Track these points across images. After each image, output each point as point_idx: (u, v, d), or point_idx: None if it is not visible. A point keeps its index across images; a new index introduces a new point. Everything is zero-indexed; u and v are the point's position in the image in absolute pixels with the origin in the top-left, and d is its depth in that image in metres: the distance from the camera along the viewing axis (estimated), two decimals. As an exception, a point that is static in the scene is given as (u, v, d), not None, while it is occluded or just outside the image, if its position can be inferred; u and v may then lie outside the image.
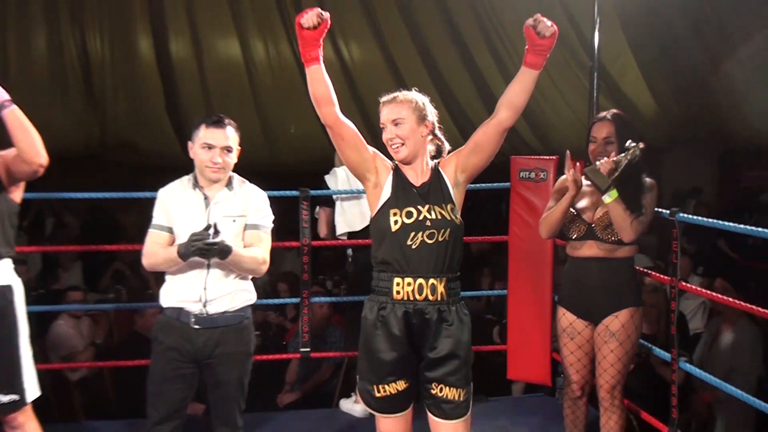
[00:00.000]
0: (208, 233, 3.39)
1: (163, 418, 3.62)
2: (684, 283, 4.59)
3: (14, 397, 3.54)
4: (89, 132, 10.11)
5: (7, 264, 3.57)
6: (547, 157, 5.12)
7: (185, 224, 3.55)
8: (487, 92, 9.45)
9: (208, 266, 3.55)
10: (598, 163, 3.81)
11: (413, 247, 3.18)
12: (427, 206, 3.22)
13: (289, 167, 10.21)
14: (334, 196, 5.17)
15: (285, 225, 8.39)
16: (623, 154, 3.78)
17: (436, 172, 3.33)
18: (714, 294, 4.98)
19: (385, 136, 3.32)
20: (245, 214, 3.64)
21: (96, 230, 10.06)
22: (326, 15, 3.10)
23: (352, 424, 5.16)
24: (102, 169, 10.21)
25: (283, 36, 9.81)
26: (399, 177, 3.31)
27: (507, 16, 8.96)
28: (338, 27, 9.55)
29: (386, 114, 3.31)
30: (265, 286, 8.50)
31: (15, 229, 3.61)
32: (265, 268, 3.64)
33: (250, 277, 3.69)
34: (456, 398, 3.24)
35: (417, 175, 3.31)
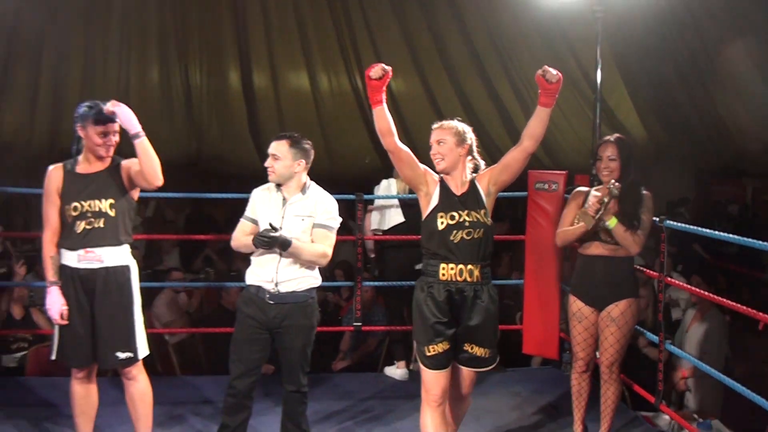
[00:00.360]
0: (269, 230, 3.45)
1: (242, 373, 3.65)
2: (669, 279, 4.52)
3: (129, 354, 3.56)
4: (189, 146, 10.17)
5: (126, 249, 3.59)
6: (558, 172, 5.09)
7: (264, 218, 3.60)
8: (507, 118, 9.38)
9: (280, 254, 3.56)
10: (586, 204, 3.82)
11: (455, 241, 3.36)
12: (466, 211, 3.40)
13: (345, 176, 10.20)
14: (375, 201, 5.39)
15: (342, 222, 8.34)
16: (606, 194, 3.78)
17: (472, 185, 3.49)
18: (692, 288, 5.02)
19: (431, 152, 3.48)
20: (313, 215, 3.63)
21: (193, 223, 10.08)
22: (389, 68, 3.27)
23: (394, 385, 5.09)
24: (198, 175, 10.29)
25: (343, 70, 9.82)
26: (444, 188, 3.47)
27: (524, 57, 8.89)
28: (386, 61, 9.46)
29: (433, 136, 3.49)
30: (324, 271, 8.42)
31: (133, 222, 3.64)
32: (325, 261, 3.64)
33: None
34: (483, 355, 3.47)
35: (457, 186, 3.47)
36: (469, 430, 4.31)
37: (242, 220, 3.72)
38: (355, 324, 5.24)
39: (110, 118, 3.45)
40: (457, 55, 9.27)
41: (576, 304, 3.98)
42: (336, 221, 3.69)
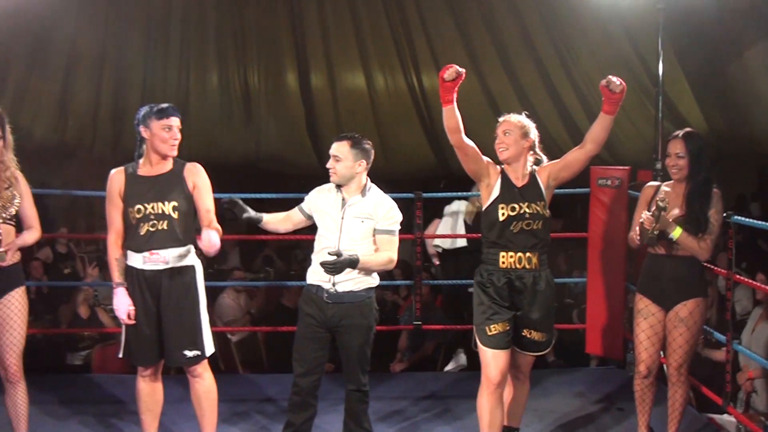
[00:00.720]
0: (333, 257, 3.44)
1: (305, 371, 3.68)
2: (738, 276, 4.34)
3: (197, 352, 3.61)
4: (247, 147, 10.28)
5: (191, 249, 3.62)
6: (621, 168, 4.99)
7: (325, 217, 3.67)
8: (565, 113, 9.23)
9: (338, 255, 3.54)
10: (642, 218, 3.67)
11: (514, 231, 3.52)
12: (526, 203, 3.53)
13: (401, 175, 10.19)
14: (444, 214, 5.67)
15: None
16: (657, 210, 3.61)
17: (533, 177, 3.62)
18: (761, 285, 4.93)
19: (496, 142, 3.63)
20: (372, 218, 3.62)
21: (251, 223, 10.19)
22: (462, 71, 3.39)
23: (453, 384, 5.07)
24: (256, 176, 10.40)
25: (399, 69, 9.80)
26: (505, 179, 3.60)
27: (582, 51, 8.73)
28: (443, 60, 9.43)
29: (500, 128, 3.63)
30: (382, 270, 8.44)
31: (195, 223, 3.66)
32: (392, 266, 3.68)
33: None
34: (540, 339, 3.63)
35: (518, 178, 3.61)
36: (532, 430, 4.27)
37: (296, 209, 3.81)
38: (414, 323, 5.23)
39: (173, 113, 3.51)
40: (515, 51, 9.16)
41: (642, 302, 3.85)
42: (397, 224, 3.68)
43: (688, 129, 3.83)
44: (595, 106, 8.99)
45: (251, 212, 3.73)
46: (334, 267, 3.44)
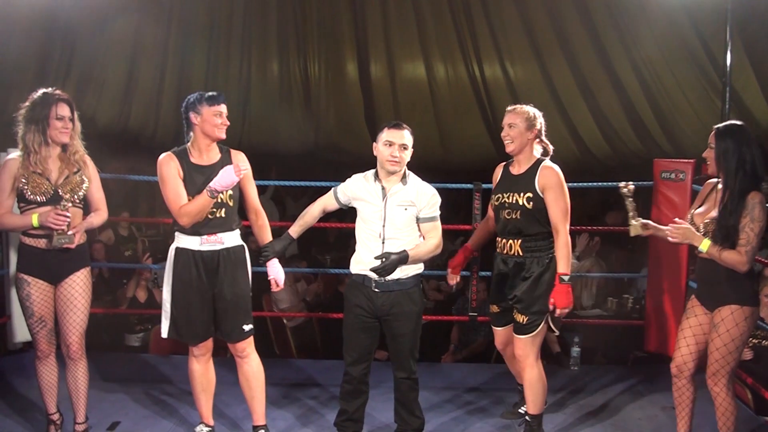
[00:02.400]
0: (381, 261, 3.52)
1: (354, 360, 3.74)
2: None
3: (251, 326, 3.78)
4: (306, 136, 10.37)
5: (239, 232, 3.77)
6: (686, 161, 4.83)
7: (367, 207, 3.67)
8: (628, 104, 9.01)
9: (383, 242, 3.60)
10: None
11: (501, 219, 3.82)
12: (508, 193, 3.78)
13: (459, 165, 10.14)
14: None
15: (456, 211, 8.30)
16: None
17: (534, 168, 3.76)
18: None
19: (502, 134, 3.80)
20: (415, 205, 3.62)
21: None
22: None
23: (505, 375, 5.00)
24: (315, 164, 10.49)
25: (460, 59, 9.72)
26: (506, 170, 3.91)
27: (648, 41, 8.48)
28: (506, 50, 9.39)
29: (505, 119, 3.80)
30: (438, 260, 8.41)
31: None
32: (439, 251, 3.70)
33: None
34: (522, 321, 3.78)
35: (519, 166, 3.82)
36: (590, 427, 4.23)
37: (330, 197, 3.84)
38: (470, 314, 5.23)
39: (223, 100, 3.61)
40: (578, 41, 8.98)
41: (692, 301, 3.68)
42: (438, 209, 3.70)
43: (728, 122, 3.50)
44: (659, 97, 8.81)
45: (281, 245, 3.85)
46: (384, 270, 3.51)
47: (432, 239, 3.65)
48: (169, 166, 3.62)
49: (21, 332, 4.76)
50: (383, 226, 3.59)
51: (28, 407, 4.31)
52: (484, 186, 5.03)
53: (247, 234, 3.91)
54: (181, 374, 4.80)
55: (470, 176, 5.32)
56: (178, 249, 3.68)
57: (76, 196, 3.62)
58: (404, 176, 3.65)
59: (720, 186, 3.46)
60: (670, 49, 8.43)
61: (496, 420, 4.33)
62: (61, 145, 3.62)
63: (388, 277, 3.59)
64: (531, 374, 3.83)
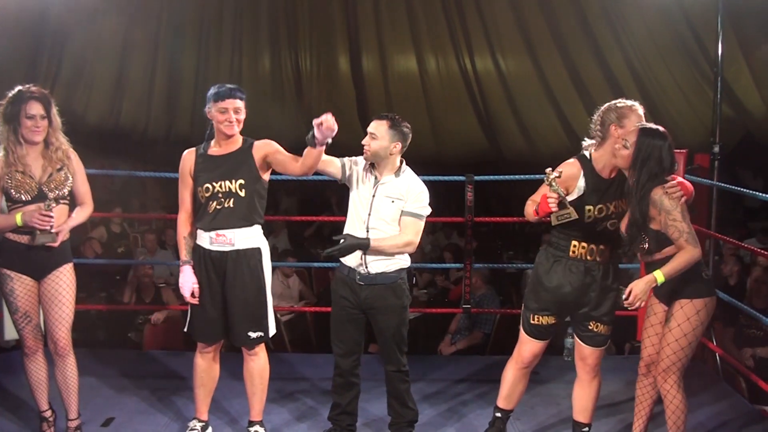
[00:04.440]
0: (339, 243, 3.52)
1: (344, 352, 3.76)
2: None
3: (260, 333, 3.70)
4: (299, 130, 10.35)
5: (258, 230, 3.68)
6: (678, 151, 4.69)
7: (356, 193, 3.66)
8: (620, 96, 8.99)
9: (367, 231, 3.59)
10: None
11: (597, 228, 3.42)
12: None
13: (452, 158, 10.16)
14: None
15: (447, 204, 8.31)
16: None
17: (620, 172, 3.41)
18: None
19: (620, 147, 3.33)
20: (403, 199, 3.59)
21: (304, 205, 10.35)
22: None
23: (501, 363, 5.00)
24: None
25: (451, 52, 9.73)
26: (591, 174, 3.47)
27: (639, 31, 8.51)
28: (497, 43, 9.40)
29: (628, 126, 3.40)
30: (433, 253, 8.44)
31: (264, 202, 3.71)
32: (410, 249, 3.62)
33: None
34: (606, 333, 3.57)
35: (605, 170, 3.46)
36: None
37: (337, 159, 3.69)
38: (464, 306, 5.22)
39: (229, 95, 3.53)
40: (569, 31, 9.02)
41: (651, 299, 3.55)
42: (426, 209, 3.65)
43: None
44: (652, 91, 8.83)
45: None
46: (339, 251, 3.51)
47: (405, 236, 3.59)
48: (183, 164, 3.67)
49: (11, 330, 4.75)
50: (369, 214, 3.59)
51: (21, 405, 4.29)
52: (477, 178, 5.03)
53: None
54: (175, 369, 4.81)
55: (462, 169, 5.32)
56: (195, 245, 3.68)
57: (60, 193, 3.60)
58: (399, 169, 3.63)
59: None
60: (662, 40, 8.48)
61: (488, 411, 4.33)
62: (42, 143, 3.59)
63: (373, 271, 3.60)
64: (597, 385, 3.71)
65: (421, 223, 3.64)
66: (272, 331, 3.76)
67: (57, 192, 3.58)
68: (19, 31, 8.43)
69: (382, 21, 9.84)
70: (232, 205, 3.56)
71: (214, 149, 3.65)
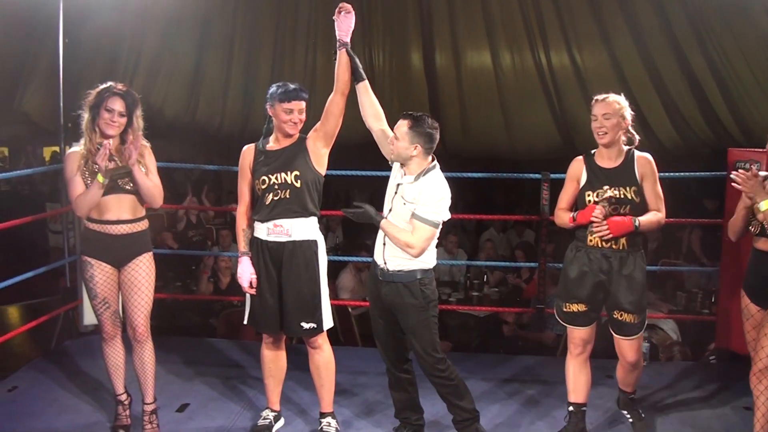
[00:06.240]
0: (355, 208, 3.55)
1: (383, 347, 3.79)
2: None
3: (313, 324, 3.72)
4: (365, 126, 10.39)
5: (314, 222, 3.73)
6: (760, 150, 4.63)
7: (389, 185, 3.65)
8: (699, 92, 8.73)
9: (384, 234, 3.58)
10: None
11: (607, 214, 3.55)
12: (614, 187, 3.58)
13: (525, 155, 10.02)
14: None
15: (518, 201, 8.20)
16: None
17: (629, 160, 3.64)
18: None
19: (595, 125, 3.62)
20: (414, 203, 3.49)
21: (376, 201, 10.36)
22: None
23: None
24: (377, 154, 10.51)
25: (527, 47, 9.56)
26: (591, 164, 3.71)
27: (719, 26, 8.17)
28: (573, 36, 9.20)
29: (598, 109, 3.60)
30: (505, 251, 8.35)
31: (320, 195, 3.74)
32: (410, 251, 3.50)
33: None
34: (632, 321, 3.64)
35: (611, 159, 3.66)
36: (659, 425, 4.16)
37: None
38: (537, 306, 5.14)
39: (296, 97, 3.59)
40: (647, 27, 8.74)
41: (744, 300, 3.57)
42: (437, 216, 3.50)
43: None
44: (733, 89, 8.49)
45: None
46: (353, 214, 3.52)
47: (410, 237, 3.48)
48: (243, 158, 3.77)
49: (90, 316, 4.91)
50: (390, 210, 3.57)
51: (98, 388, 4.45)
52: (553, 176, 4.94)
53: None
54: (250, 359, 4.90)
55: (537, 166, 5.22)
56: (253, 238, 3.75)
57: (131, 187, 3.68)
58: (423, 171, 3.51)
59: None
60: (744, 38, 8.12)
61: (556, 413, 4.26)
62: (118, 138, 3.69)
63: (392, 267, 3.55)
64: (638, 373, 3.90)
65: (429, 229, 3.48)
66: (328, 324, 3.78)
67: (131, 183, 3.69)
68: (100, 27, 8.67)
69: (456, 16, 9.74)
70: (288, 196, 3.63)
71: (272, 145, 3.73)
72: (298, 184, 3.63)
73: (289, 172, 3.63)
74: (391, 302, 3.61)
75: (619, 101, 3.61)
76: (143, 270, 3.78)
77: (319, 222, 3.77)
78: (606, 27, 9.01)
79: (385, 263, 3.59)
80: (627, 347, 3.72)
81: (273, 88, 3.66)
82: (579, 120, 9.12)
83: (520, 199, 10.73)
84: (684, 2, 8.41)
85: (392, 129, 3.54)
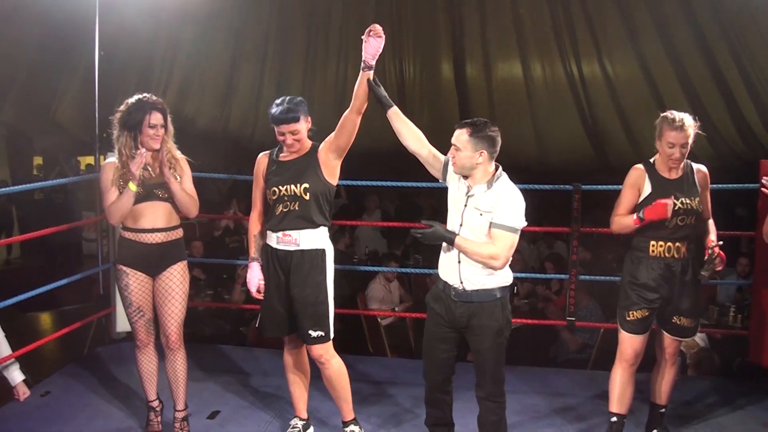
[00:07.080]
0: (424, 228, 3.38)
1: (431, 370, 3.61)
2: None
3: (321, 333, 3.69)
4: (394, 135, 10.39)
5: (323, 232, 3.71)
6: None
7: (452, 200, 3.48)
8: (734, 106, 8.64)
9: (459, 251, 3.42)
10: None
11: (669, 225, 3.67)
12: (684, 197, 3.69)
13: (556, 165, 9.96)
14: None
15: (546, 212, 8.14)
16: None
17: (689, 172, 3.79)
18: None
19: (670, 151, 3.67)
20: (492, 211, 3.34)
21: (402, 211, 10.35)
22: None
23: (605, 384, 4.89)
24: (407, 163, 10.50)
25: (558, 58, 9.54)
26: (654, 175, 3.77)
27: (754, 38, 8.09)
28: (604, 46, 9.17)
29: (676, 135, 3.64)
30: (534, 262, 8.30)
31: (331, 205, 3.73)
32: (494, 263, 3.34)
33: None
34: (689, 325, 3.81)
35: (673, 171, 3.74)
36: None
37: (440, 155, 3.56)
38: (568, 318, 5.11)
39: (283, 121, 3.59)
40: (680, 37, 8.68)
41: None
42: (518, 221, 3.35)
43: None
44: (765, 97, 8.37)
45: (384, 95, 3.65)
46: (422, 236, 3.36)
47: (492, 247, 3.33)
48: (257, 166, 3.81)
49: (123, 323, 4.98)
50: (461, 225, 3.41)
51: (131, 394, 4.51)
52: (584, 187, 4.90)
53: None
54: (281, 367, 4.89)
55: (568, 177, 5.19)
56: (264, 245, 3.78)
57: (166, 194, 3.75)
58: (492, 178, 3.38)
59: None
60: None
61: (595, 423, 4.22)
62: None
63: (469, 287, 3.39)
64: (674, 371, 4.00)
65: (511, 236, 3.34)
66: (332, 333, 3.74)
67: (165, 192, 3.75)
68: (135, 40, 8.81)
69: (487, 27, 9.76)
70: (297, 208, 3.63)
71: (285, 154, 3.75)
72: (307, 197, 3.62)
73: (298, 185, 3.63)
74: (467, 324, 3.43)
75: (693, 125, 3.66)
76: (177, 279, 3.83)
77: (329, 230, 3.75)
78: (637, 36, 8.97)
79: (461, 283, 3.41)
80: (672, 345, 3.90)
81: (271, 107, 3.69)
82: (610, 129, 9.07)
83: (549, 211, 10.67)
84: (715, 9, 8.34)
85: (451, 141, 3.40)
